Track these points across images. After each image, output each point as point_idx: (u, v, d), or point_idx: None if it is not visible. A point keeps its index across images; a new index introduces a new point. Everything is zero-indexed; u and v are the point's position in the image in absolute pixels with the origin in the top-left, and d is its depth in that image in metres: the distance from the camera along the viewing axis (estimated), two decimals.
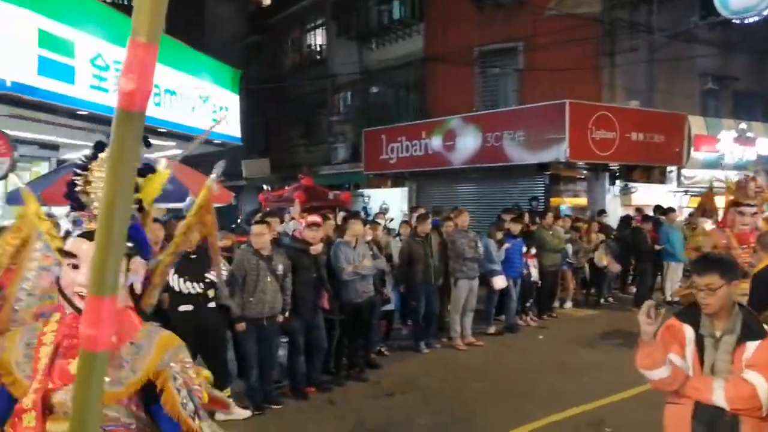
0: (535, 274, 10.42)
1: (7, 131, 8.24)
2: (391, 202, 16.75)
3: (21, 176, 11.26)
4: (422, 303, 8.65)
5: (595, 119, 13.96)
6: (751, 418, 2.77)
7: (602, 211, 13.65)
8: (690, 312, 3.03)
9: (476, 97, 17.73)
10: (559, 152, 13.78)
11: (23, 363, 1.93)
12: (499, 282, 9.55)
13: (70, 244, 1.96)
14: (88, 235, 1.93)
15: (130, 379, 1.96)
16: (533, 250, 10.40)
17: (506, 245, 9.68)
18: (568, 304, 11.92)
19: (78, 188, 2.00)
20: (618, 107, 14.86)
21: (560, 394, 6.76)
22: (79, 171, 1.98)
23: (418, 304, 8.68)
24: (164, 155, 11.80)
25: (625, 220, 13.17)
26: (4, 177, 8.50)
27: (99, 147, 2.02)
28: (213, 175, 2.41)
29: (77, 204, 2.00)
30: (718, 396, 2.78)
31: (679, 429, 2.93)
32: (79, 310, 1.88)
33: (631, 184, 15.88)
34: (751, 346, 2.82)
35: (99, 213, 0.99)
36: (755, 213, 5.96)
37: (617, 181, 15.77)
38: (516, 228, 10.00)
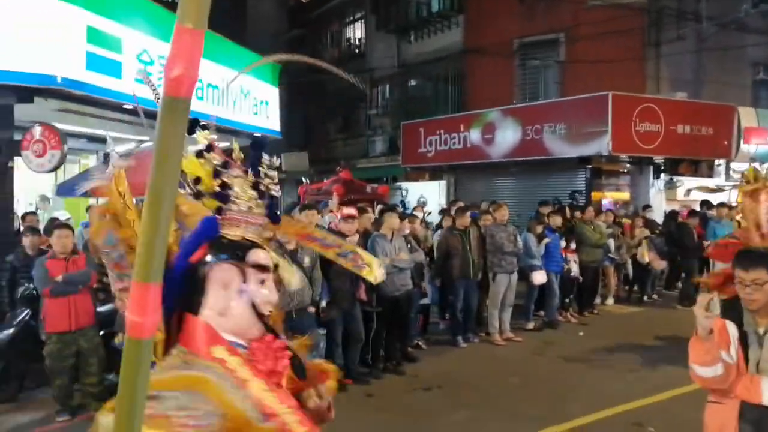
0: (575, 269, 10.28)
1: (58, 125, 8.47)
2: (428, 195, 16.70)
3: (69, 169, 11.59)
4: (460, 297, 8.62)
5: (640, 111, 13.68)
6: None
7: (647, 206, 13.37)
8: (732, 308, 2.94)
9: (516, 90, 17.54)
10: (602, 145, 13.55)
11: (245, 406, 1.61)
12: (539, 277, 9.46)
13: (262, 257, 1.74)
14: (261, 246, 1.77)
15: None
16: (573, 245, 10.26)
17: (546, 239, 9.58)
18: (610, 301, 11.73)
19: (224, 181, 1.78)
20: (663, 99, 14.53)
21: (601, 392, 6.68)
22: (220, 169, 1.77)
23: (456, 299, 8.65)
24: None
25: (671, 216, 12.89)
26: (56, 169, 8.74)
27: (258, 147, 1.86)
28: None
29: (222, 197, 1.75)
30: None
31: (724, 429, 2.86)
32: (271, 330, 1.74)
33: (676, 178, 15.53)
34: None
35: (145, 199, 1.00)
36: None
37: (662, 175, 15.43)
38: (556, 221, 9.89)
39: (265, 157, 1.86)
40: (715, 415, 2.93)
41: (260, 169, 1.82)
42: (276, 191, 1.86)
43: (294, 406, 1.68)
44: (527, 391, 6.78)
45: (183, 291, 1.72)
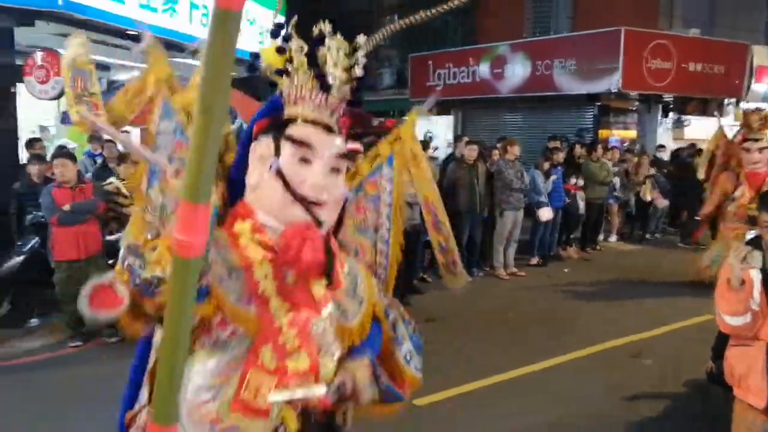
0: (582, 206, 10.29)
1: (60, 50, 8.32)
2: (436, 130, 16.54)
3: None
4: (465, 231, 8.66)
5: (652, 48, 13.40)
6: None
7: (661, 146, 13.26)
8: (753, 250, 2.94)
9: (527, 24, 17.13)
10: (611, 82, 13.34)
11: (228, 281, 1.53)
12: (545, 213, 9.48)
13: (304, 131, 1.59)
14: (322, 125, 1.62)
15: (360, 311, 1.71)
16: (581, 182, 10.24)
17: (553, 177, 9.55)
18: (613, 238, 11.79)
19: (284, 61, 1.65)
20: (676, 35, 14.21)
21: (600, 326, 6.80)
22: (284, 43, 1.65)
23: (461, 232, 8.70)
24: None
25: (676, 154, 12.80)
26: (59, 96, 8.65)
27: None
28: None
29: (321, 79, 1.64)
30: None
31: (752, 370, 2.91)
32: (314, 218, 1.57)
33: (684, 117, 15.34)
34: None
35: (194, 115, 0.94)
36: (764, 148, 5.15)
37: (670, 114, 15.23)
38: (558, 157, 9.83)
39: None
40: (741, 358, 2.97)
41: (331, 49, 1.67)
42: (357, 71, 1.72)
43: (299, 323, 1.55)
44: (528, 324, 6.90)
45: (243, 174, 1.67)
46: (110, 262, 6.26)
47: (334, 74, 1.65)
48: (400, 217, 1.89)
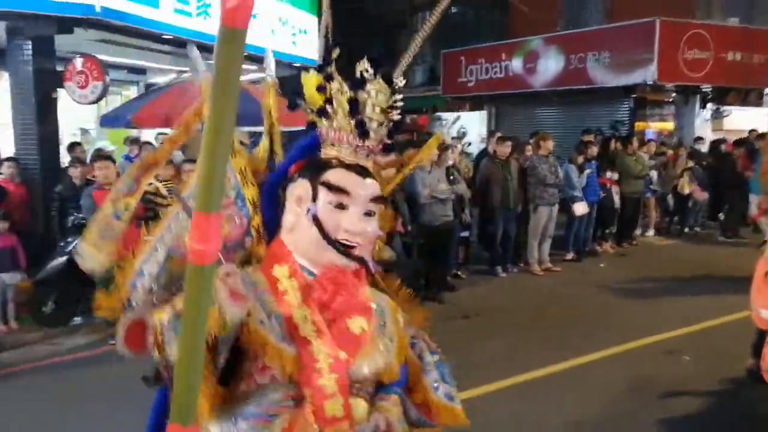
0: (617, 200, 10.15)
1: (99, 56, 8.53)
2: (469, 126, 16.47)
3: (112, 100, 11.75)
4: (499, 227, 8.63)
5: (688, 38, 13.14)
6: None
7: (699, 138, 13.01)
8: None
9: (559, 17, 16.94)
10: (647, 74, 13.13)
11: (269, 323, 1.55)
12: (580, 208, 9.38)
13: (341, 178, 1.60)
14: (358, 171, 1.63)
15: (392, 349, 1.66)
16: (616, 176, 10.11)
17: (588, 171, 9.45)
18: (650, 232, 11.61)
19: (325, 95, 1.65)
20: (714, 25, 13.90)
21: (637, 322, 6.71)
22: (325, 82, 1.65)
23: (495, 229, 8.67)
24: (246, 79, 11.95)
25: (715, 146, 12.53)
26: (98, 100, 8.86)
27: (376, 62, 1.69)
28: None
29: (360, 127, 1.64)
30: None
31: None
32: (348, 256, 1.60)
33: (723, 108, 15.00)
34: None
35: (204, 129, 0.98)
36: None
37: (709, 105, 14.92)
38: (592, 151, 9.72)
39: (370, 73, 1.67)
40: None
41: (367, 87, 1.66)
42: (394, 115, 1.72)
43: (334, 355, 1.55)
44: (563, 320, 6.85)
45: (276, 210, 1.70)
46: None
47: (372, 118, 1.66)
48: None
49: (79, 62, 8.25)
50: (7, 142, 8.86)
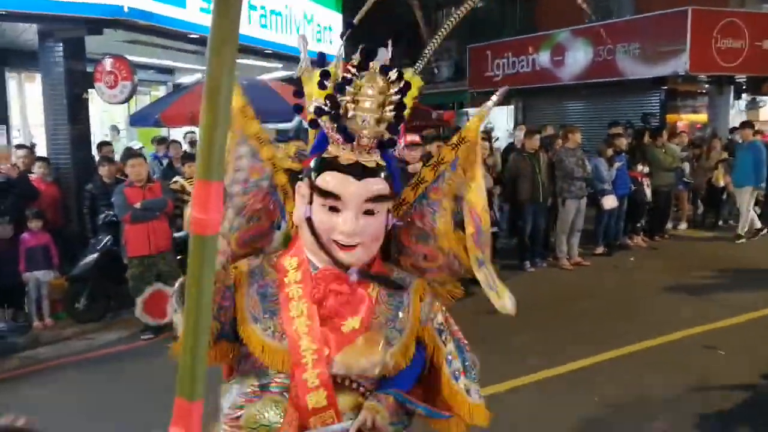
0: (648, 194, 9.98)
1: (127, 56, 8.65)
2: (496, 120, 16.36)
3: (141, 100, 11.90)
4: (528, 221, 8.56)
5: (721, 27, 12.88)
6: None
7: (734, 129, 12.75)
8: None
9: (588, 9, 16.70)
10: (678, 65, 12.90)
11: (263, 319, 1.64)
12: (609, 202, 9.24)
13: (330, 182, 1.59)
14: (354, 171, 1.60)
15: (398, 342, 1.67)
16: (646, 169, 9.94)
17: (617, 164, 9.30)
18: (683, 226, 11.40)
19: (341, 108, 1.61)
20: (748, 12, 13.60)
21: (669, 316, 6.59)
22: (345, 87, 1.61)
23: (524, 222, 8.60)
24: (271, 77, 12.00)
25: None
26: (127, 100, 8.98)
27: (368, 54, 1.70)
28: None
29: (344, 134, 1.60)
30: None
31: None
32: (338, 262, 1.62)
33: (759, 98, 14.66)
34: None
35: (203, 96, 0.98)
36: None
37: (743, 95, 14.59)
38: (621, 144, 9.57)
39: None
40: None
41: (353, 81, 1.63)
42: (387, 111, 1.63)
43: (319, 351, 1.60)
44: (594, 315, 6.76)
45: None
46: (179, 257, 6.50)
47: (365, 117, 1.61)
48: (449, 207, 1.84)
49: (108, 63, 8.37)
50: (40, 142, 9.05)
